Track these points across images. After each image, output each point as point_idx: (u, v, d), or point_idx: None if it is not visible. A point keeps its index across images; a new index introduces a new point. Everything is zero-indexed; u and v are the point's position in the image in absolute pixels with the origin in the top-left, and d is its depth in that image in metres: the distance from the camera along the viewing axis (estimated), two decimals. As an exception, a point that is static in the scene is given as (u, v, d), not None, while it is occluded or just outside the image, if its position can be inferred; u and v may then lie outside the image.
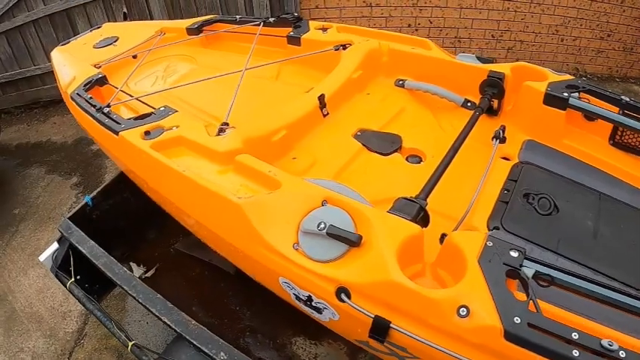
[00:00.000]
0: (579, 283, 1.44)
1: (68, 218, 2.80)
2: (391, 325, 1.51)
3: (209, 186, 1.98)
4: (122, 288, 2.37)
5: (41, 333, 3.20)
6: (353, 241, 1.60)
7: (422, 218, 1.73)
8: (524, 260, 1.47)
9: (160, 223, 3.23)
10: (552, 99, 2.32)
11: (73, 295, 2.61)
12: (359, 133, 2.46)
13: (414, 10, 5.43)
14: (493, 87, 2.43)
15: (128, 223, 3.20)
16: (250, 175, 2.03)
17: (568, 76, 2.50)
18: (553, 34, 5.76)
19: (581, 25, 5.77)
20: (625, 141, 2.41)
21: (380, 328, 1.53)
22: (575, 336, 1.31)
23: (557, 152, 2.33)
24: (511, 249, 1.49)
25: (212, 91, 2.81)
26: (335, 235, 1.63)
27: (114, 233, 3.02)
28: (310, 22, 3.28)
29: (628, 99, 2.35)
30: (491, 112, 2.52)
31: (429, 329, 1.47)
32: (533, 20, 5.65)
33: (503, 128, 2.34)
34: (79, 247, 2.59)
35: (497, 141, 2.29)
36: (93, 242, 2.60)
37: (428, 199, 1.87)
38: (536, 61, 5.57)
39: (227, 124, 2.36)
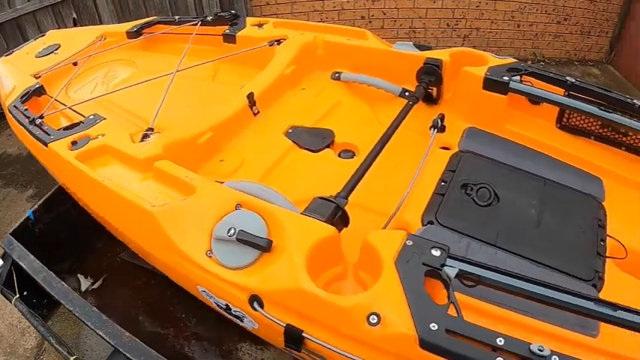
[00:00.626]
0: (507, 281, 1.32)
1: (10, 233, 2.66)
2: (303, 334, 1.38)
3: (126, 195, 1.87)
4: (60, 302, 2.26)
5: (1, 350, 3.08)
6: (262, 247, 1.49)
7: (340, 218, 1.59)
8: (447, 259, 1.34)
9: (107, 233, 3.12)
10: (492, 83, 2.21)
11: (19, 311, 2.52)
12: (290, 131, 2.33)
13: (366, 1, 5.31)
14: (430, 74, 2.31)
15: (73, 234, 3.07)
16: (167, 181, 1.91)
17: (510, 60, 2.39)
18: (509, 20, 5.67)
19: (537, 10, 5.68)
20: (572, 123, 2.31)
21: (293, 338, 1.41)
22: (500, 342, 1.18)
23: (499, 139, 2.22)
24: (433, 247, 1.36)
25: (146, 95, 2.66)
26: (245, 240, 1.52)
27: (59, 246, 2.92)
28: (247, 19, 3.16)
29: (573, 80, 2.25)
30: (431, 100, 2.40)
31: (343, 338, 1.34)
32: (488, 7, 5.56)
33: (442, 117, 2.22)
34: (20, 263, 2.48)
35: (436, 130, 2.17)
36: (33, 257, 2.48)
37: (351, 197, 1.75)
38: (493, 48, 5.52)
39: (152, 129, 2.23)
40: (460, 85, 2.31)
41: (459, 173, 1.98)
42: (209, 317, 2.67)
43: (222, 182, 1.80)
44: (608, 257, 1.83)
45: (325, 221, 1.54)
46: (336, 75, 2.62)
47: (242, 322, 1.64)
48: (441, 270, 1.31)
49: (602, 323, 1.52)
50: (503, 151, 2.15)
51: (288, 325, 1.41)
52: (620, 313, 1.26)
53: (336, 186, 1.80)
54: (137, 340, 1.98)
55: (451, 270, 1.30)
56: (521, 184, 2.00)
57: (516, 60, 2.39)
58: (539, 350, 1.16)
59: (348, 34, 2.76)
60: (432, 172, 2.01)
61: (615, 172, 2.19)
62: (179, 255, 1.66)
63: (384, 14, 5.41)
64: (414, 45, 2.54)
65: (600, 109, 2.13)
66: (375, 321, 1.24)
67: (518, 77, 2.23)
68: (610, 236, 1.89)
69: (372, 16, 5.38)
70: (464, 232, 1.77)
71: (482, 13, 5.53)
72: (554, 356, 1.16)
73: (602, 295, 1.64)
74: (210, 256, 1.59)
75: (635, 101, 2.18)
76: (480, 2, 5.44)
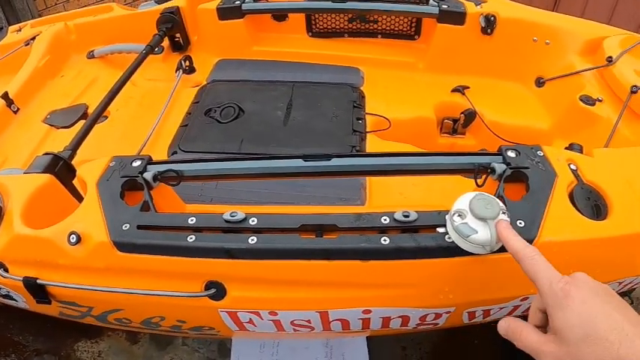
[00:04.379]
0: (209, 166, 1.30)
1: None
2: (38, 281, 1.31)
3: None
4: None
5: None
6: (-9, 215, 1.39)
7: (62, 168, 1.53)
8: (148, 166, 1.31)
9: None
10: (226, 11, 2.23)
11: None
12: (48, 116, 2.25)
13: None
14: (167, 23, 2.28)
15: None
16: None
17: (247, -15, 2.41)
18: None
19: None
20: (322, 27, 2.39)
21: (33, 290, 1.33)
22: (192, 221, 1.16)
23: (248, 62, 2.24)
24: (134, 160, 1.33)
25: None
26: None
27: None
28: (10, 27, 3.00)
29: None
30: (180, 47, 2.37)
31: (63, 270, 1.28)
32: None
33: (186, 58, 2.20)
34: None
35: (181, 72, 2.15)
36: None
37: (90, 151, 1.71)
38: None
39: None
40: (200, 24, 2.31)
41: (203, 102, 1.98)
42: (43, 329, 2.60)
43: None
44: (370, 132, 1.89)
45: (43, 172, 1.48)
46: (91, 54, 2.54)
47: (16, 302, 1.54)
48: (138, 177, 1.28)
49: (368, 191, 1.58)
50: (251, 71, 2.17)
51: (24, 277, 1.32)
52: (335, 161, 1.28)
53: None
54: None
55: (148, 174, 1.28)
56: (269, 93, 2.02)
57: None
58: (232, 216, 1.15)
59: (96, 12, 2.69)
60: (180, 110, 1.99)
61: (373, 58, 2.29)
62: None
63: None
64: (155, 1, 2.49)
65: (341, 2, 2.20)
66: (74, 240, 1.19)
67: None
68: (369, 113, 1.96)
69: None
70: (207, 150, 1.76)
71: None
72: (251, 218, 1.16)
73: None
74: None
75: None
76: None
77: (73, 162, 1.58)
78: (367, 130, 1.87)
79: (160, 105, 2.04)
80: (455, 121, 2.12)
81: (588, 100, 1.90)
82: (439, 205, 1.48)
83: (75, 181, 1.53)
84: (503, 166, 1.23)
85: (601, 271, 1.22)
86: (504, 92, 2.23)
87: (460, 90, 2.16)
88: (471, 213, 1.01)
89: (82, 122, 2.09)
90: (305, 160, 1.26)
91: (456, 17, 2.20)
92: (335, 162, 1.26)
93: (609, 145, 1.74)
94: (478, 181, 1.26)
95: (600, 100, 1.89)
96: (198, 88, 2.12)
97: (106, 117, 2.13)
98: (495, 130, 2.04)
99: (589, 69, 2.00)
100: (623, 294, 1.58)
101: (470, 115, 2.07)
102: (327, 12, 2.28)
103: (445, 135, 2.15)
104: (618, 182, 1.29)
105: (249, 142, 1.79)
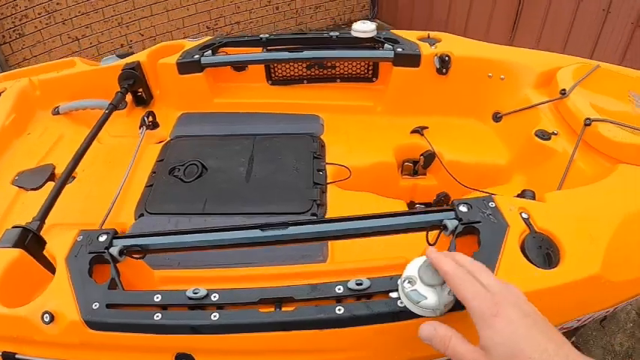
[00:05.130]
0: (171, 239, 1.34)
1: None
2: (17, 356, 1.34)
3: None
4: None
5: None
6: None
7: (31, 241, 1.55)
8: (114, 240, 1.34)
9: None
10: (185, 66, 2.27)
11: None
12: (17, 178, 2.25)
13: (121, 29, 5.24)
14: (128, 79, 2.31)
15: None
16: None
17: (206, 38, 2.46)
18: (266, 5, 5.86)
19: (291, -11, 5.93)
20: (281, 75, 2.43)
21: None
22: (157, 298, 1.20)
23: (209, 115, 2.29)
24: (100, 235, 1.37)
25: None
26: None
27: None
28: (-29, 86, 2.99)
29: (267, 35, 2.35)
30: (143, 102, 2.41)
31: (40, 346, 1.31)
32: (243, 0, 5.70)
33: (149, 114, 2.24)
34: None
35: (144, 128, 2.19)
36: None
37: (57, 217, 1.74)
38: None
39: None
40: (161, 79, 2.34)
41: (167, 160, 2.01)
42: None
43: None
44: (331, 183, 1.93)
45: (13, 247, 1.50)
46: (56, 110, 2.56)
47: None
48: (104, 252, 1.31)
49: (330, 247, 1.62)
50: (213, 125, 2.21)
51: (3, 352, 1.35)
52: (291, 229, 1.33)
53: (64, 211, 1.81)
54: None
55: (114, 249, 1.31)
56: (231, 148, 2.06)
57: (212, 37, 2.47)
58: (195, 293, 1.19)
59: (58, 67, 2.71)
60: (145, 169, 2.02)
61: (332, 104, 2.35)
62: None
63: (142, 35, 5.37)
64: (117, 55, 2.53)
65: (298, 52, 2.27)
66: (48, 319, 1.23)
67: (210, 52, 2.30)
68: (329, 163, 2.01)
69: (131, 41, 5.33)
70: (172, 212, 1.79)
71: (239, 7, 5.65)
72: (213, 294, 1.20)
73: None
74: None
75: (331, 33, 2.34)
76: (233, -3, 5.55)
77: (45, 224, 1.62)
78: (328, 181, 1.90)
79: (126, 163, 2.07)
80: (415, 162, 2.17)
81: (544, 135, 1.96)
82: (399, 257, 1.55)
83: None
84: (455, 222, 1.28)
85: (553, 316, 1.27)
86: (463, 129, 2.30)
87: (419, 131, 2.22)
88: (420, 280, 1.05)
89: (50, 184, 2.11)
90: (262, 230, 1.31)
91: (411, 60, 2.27)
92: (291, 230, 1.31)
93: (565, 180, 1.80)
94: (430, 240, 1.30)
95: (556, 134, 1.95)
96: (162, 144, 2.15)
97: (74, 177, 2.15)
98: (455, 168, 2.10)
99: (543, 102, 2.06)
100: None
101: (429, 157, 2.13)
102: (285, 62, 2.33)
103: (406, 177, 2.21)
104: (570, 227, 1.34)
105: (213, 202, 1.82)
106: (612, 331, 2.85)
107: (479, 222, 1.28)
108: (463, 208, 1.32)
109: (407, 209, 1.92)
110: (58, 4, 4.78)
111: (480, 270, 0.92)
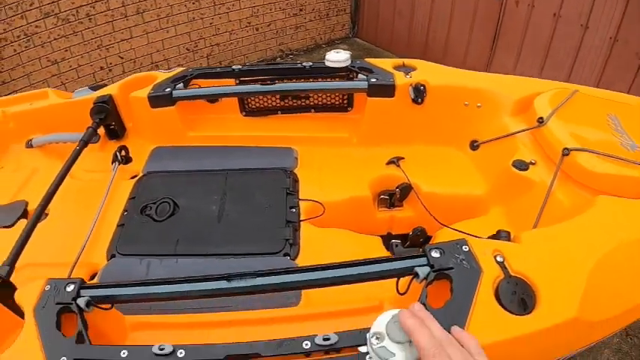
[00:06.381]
0: (139, 290, 1.32)
1: None
2: None
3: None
4: None
5: None
6: None
7: (1, 287, 1.53)
8: (81, 290, 1.31)
9: None
10: (157, 100, 2.25)
11: None
12: (-13, 217, 2.20)
13: (100, 51, 5.19)
14: (99, 113, 2.28)
15: None
16: None
17: (178, 69, 2.44)
18: (246, 27, 5.86)
19: (271, 10, 5.93)
20: (254, 106, 2.42)
21: None
22: (124, 354, 1.17)
23: (182, 149, 2.26)
24: (67, 284, 1.33)
25: None
26: None
27: None
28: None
29: (240, 66, 2.34)
30: (116, 136, 2.37)
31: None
32: (221, 21, 5.69)
33: (121, 148, 2.21)
34: None
35: (117, 164, 2.16)
36: None
37: (29, 259, 1.71)
38: (239, 58, 5.64)
39: None
40: (134, 112, 2.31)
41: (139, 198, 1.98)
42: None
43: None
44: (304, 220, 1.91)
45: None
46: (29, 143, 2.52)
47: None
48: (71, 304, 1.28)
49: (303, 291, 1.59)
50: (186, 160, 2.18)
51: None
52: (259, 280, 1.30)
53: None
54: None
55: (81, 300, 1.28)
56: (203, 185, 2.04)
57: (184, 68, 2.44)
58: (160, 349, 1.16)
59: (30, 98, 2.67)
60: (118, 206, 1.99)
61: (307, 136, 2.32)
62: None
63: (122, 58, 5.34)
64: (89, 87, 2.50)
65: (271, 85, 2.24)
66: (17, 376, 1.19)
67: (182, 84, 2.28)
68: (302, 199, 1.98)
69: (111, 63, 5.29)
70: (144, 253, 1.76)
71: (218, 29, 5.64)
72: (179, 350, 1.17)
73: (300, 259, 1.75)
74: None
75: (304, 64, 2.33)
76: (212, 19, 5.54)
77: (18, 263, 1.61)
78: (301, 218, 1.88)
79: (99, 199, 2.04)
80: (391, 194, 2.15)
81: (521, 165, 1.95)
82: (374, 298, 1.52)
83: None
84: (427, 270, 1.26)
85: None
86: (440, 159, 2.29)
87: (395, 162, 2.21)
88: (388, 337, 1.03)
89: (22, 221, 2.07)
90: (228, 281, 1.28)
91: (386, 90, 2.26)
92: (259, 281, 1.29)
93: (543, 212, 1.78)
94: (400, 289, 1.28)
95: (534, 163, 1.94)
96: (135, 179, 2.12)
97: (47, 214, 2.11)
98: (432, 200, 2.08)
99: (520, 131, 2.05)
100: None
101: (405, 189, 2.12)
102: (257, 95, 2.31)
103: (383, 209, 2.18)
104: (546, 269, 1.33)
105: (184, 242, 1.79)
106: (599, 347, 2.84)
107: (451, 268, 1.27)
108: (435, 254, 1.30)
109: (382, 246, 1.89)
110: (37, 26, 4.73)
111: (455, 345, 0.91)
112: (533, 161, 1.94)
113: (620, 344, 2.85)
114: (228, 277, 1.30)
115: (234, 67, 2.36)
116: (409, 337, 0.96)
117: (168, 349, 1.18)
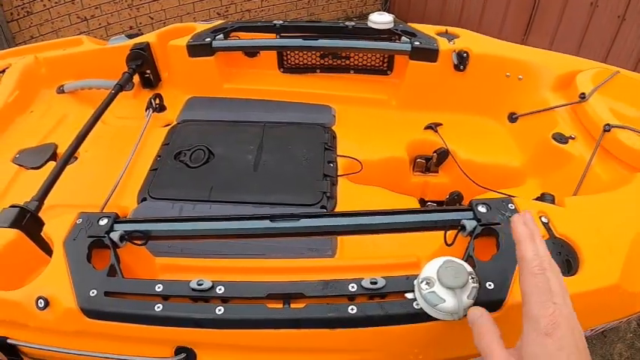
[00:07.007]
0: (176, 227, 1.28)
1: None
2: (8, 340, 1.28)
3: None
4: None
5: None
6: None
7: (29, 222, 1.50)
8: (115, 225, 1.28)
9: None
10: (196, 49, 2.21)
11: None
12: (17, 156, 2.19)
13: (130, 11, 5.16)
14: (136, 59, 2.25)
15: None
16: None
17: (218, 22, 2.40)
18: (281, -6, 5.79)
19: (303, -21, 5.85)
20: (293, 63, 2.38)
21: (3, 348, 1.30)
22: (159, 288, 1.14)
23: (218, 100, 2.22)
24: (100, 218, 1.30)
25: None
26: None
27: None
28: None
29: (281, 21, 2.29)
30: (150, 84, 2.35)
31: (35, 332, 1.25)
32: (256, -13, 5.64)
33: (156, 96, 2.17)
34: None
35: (151, 111, 2.13)
36: None
37: (59, 198, 1.68)
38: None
39: None
40: (171, 61, 2.28)
41: (173, 144, 1.95)
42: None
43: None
44: (341, 175, 1.87)
45: (10, 227, 1.44)
46: (61, 89, 2.50)
47: None
48: (104, 237, 1.25)
49: (338, 241, 1.56)
50: (222, 111, 2.15)
51: None
52: (303, 222, 1.27)
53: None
54: None
55: (115, 234, 1.25)
56: (240, 135, 2.00)
57: (224, 20, 2.41)
58: (199, 285, 1.13)
59: (65, 44, 2.65)
60: (150, 152, 1.96)
61: (345, 95, 2.28)
62: None
63: (152, 19, 5.30)
64: (126, 36, 2.47)
65: (313, 40, 2.21)
66: (42, 305, 1.17)
67: (222, 35, 2.24)
68: (340, 155, 1.95)
69: (140, 23, 5.25)
70: (177, 197, 1.73)
71: (251, -7, 5.58)
72: (218, 287, 1.14)
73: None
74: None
75: (347, 23, 2.28)
76: (247, -16, 5.48)
77: (44, 205, 1.57)
78: (338, 173, 1.85)
79: (131, 145, 2.01)
80: (428, 159, 2.11)
81: (561, 139, 1.90)
82: (411, 255, 1.49)
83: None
84: (474, 223, 1.22)
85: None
86: (477, 128, 2.24)
87: (433, 127, 2.16)
88: (439, 282, 1.00)
89: (51, 163, 2.05)
90: (272, 221, 1.25)
91: (429, 54, 2.20)
92: (303, 223, 1.25)
93: (582, 185, 1.74)
94: (447, 240, 1.25)
95: (573, 138, 1.89)
96: (168, 127, 2.09)
97: (76, 158, 2.09)
98: (468, 168, 2.04)
99: (561, 105, 2.01)
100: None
101: (442, 154, 2.07)
102: (299, 50, 2.27)
103: (418, 173, 2.15)
104: (590, 233, 1.29)
105: (218, 190, 1.76)
106: (612, 340, 2.80)
107: (498, 224, 1.23)
108: (482, 209, 1.26)
109: (419, 206, 1.85)
110: (67, -18, 4.70)
111: (557, 274, 0.85)
112: (572, 136, 1.90)
113: (633, 340, 2.80)
114: (272, 217, 1.26)
115: (275, 21, 2.32)
116: (515, 242, 0.90)
117: (207, 285, 1.14)
